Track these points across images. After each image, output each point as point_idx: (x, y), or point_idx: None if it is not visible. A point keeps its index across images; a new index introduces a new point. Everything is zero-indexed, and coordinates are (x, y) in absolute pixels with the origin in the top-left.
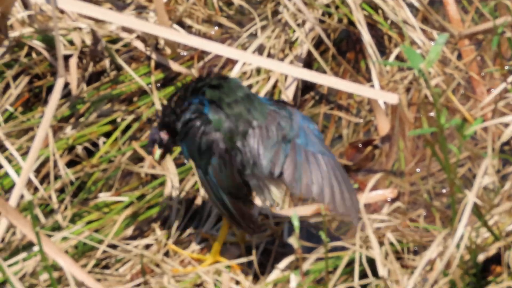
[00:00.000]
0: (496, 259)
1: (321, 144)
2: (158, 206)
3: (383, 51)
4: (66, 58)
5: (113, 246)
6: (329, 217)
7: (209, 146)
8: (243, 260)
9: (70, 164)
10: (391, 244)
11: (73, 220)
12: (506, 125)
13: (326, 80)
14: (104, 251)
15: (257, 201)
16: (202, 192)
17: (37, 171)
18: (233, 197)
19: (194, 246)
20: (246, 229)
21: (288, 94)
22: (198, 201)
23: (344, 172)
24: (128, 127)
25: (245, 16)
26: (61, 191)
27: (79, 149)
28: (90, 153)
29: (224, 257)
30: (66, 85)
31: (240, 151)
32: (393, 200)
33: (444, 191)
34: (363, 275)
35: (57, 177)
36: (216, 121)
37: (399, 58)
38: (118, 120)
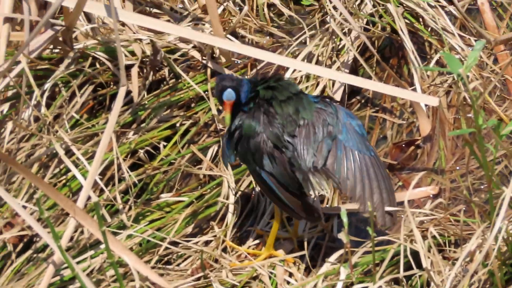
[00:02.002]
0: None
1: (360, 141)
2: (216, 205)
3: (424, 57)
4: (128, 67)
5: (175, 243)
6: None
7: (258, 147)
8: (296, 254)
9: (133, 167)
10: (434, 237)
11: (137, 220)
12: None
13: (371, 85)
14: (166, 248)
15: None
16: (256, 191)
17: (102, 174)
18: (289, 192)
19: (250, 242)
20: (308, 219)
21: (335, 98)
22: (253, 200)
23: (382, 171)
24: (186, 131)
25: (294, 26)
26: (125, 192)
27: (141, 153)
28: (151, 157)
29: (278, 251)
30: (128, 93)
31: (287, 148)
32: (435, 196)
33: (482, 187)
34: (407, 267)
35: (121, 179)
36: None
37: (439, 63)
38: (177, 125)
